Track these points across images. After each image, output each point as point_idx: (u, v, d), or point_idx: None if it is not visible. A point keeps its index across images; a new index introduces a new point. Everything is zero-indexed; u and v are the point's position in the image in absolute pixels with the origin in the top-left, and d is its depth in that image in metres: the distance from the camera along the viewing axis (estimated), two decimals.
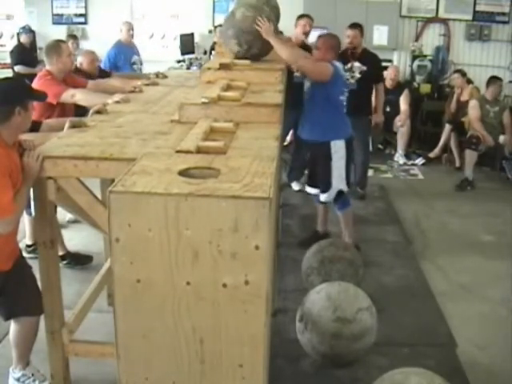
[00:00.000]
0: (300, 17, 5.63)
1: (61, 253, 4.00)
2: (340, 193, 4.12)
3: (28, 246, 4.12)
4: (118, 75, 5.06)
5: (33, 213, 3.68)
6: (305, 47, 5.66)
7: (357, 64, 5.54)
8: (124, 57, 6.44)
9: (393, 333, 3.35)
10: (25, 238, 4.16)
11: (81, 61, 4.77)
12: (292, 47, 4.04)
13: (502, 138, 6.50)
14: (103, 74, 4.87)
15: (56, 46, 3.76)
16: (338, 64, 4.04)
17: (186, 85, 3.92)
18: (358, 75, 5.56)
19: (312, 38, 5.94)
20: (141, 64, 6.64)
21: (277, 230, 4.18)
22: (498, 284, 4.07)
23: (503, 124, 6.59)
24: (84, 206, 2.33)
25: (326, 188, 4.11)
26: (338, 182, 4.06)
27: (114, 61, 6.37)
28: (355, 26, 5.54)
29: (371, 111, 5.71)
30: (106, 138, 2.44)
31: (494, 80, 6.74)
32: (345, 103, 4.10)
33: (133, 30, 6.64)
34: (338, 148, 4.00)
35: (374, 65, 5.60)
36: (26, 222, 4.03)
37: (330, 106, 3.99)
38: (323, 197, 4.17)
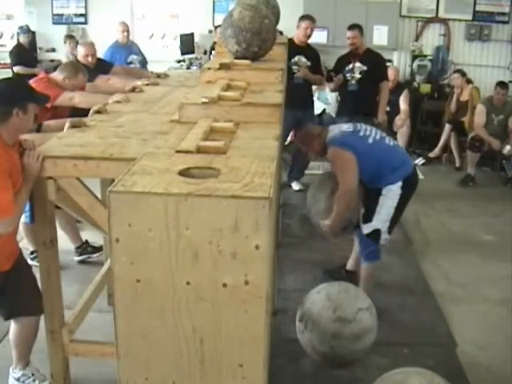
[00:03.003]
0: (302, 18, 5.62)
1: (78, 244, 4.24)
2: (376, 233, 3.50)
3: (31, 253, 4.03)
4: (120, 67, 5.06)
5: (23, 219, 3.68)
6: (308, 48, 5.68)
7: (358, 64, 5.54)
8: (120, 56, 6.52)
9: (393, 333, 3.36)
10: (24, 238, 4.15)
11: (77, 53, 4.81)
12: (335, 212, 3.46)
13: (507, 149, 6.38)
14: (104, 66, 4.85)
15: (74, 71, 3.71)
16: (331, 135, 3.53)
17: (186, 85, 3.92)
18: (357, 75, 5.56)
19: (314, 38, 5.96)
20: (142, 64, 6.62)
21: (277, 230, 4.18)
22: (497, 284, 4.08)
23: (508, 130, 6.50)
24: (84, 206, 2.33)
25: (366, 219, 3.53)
26: (379, 217, 3.46)
27: (110, 61, 6.42)
28: (354, 26, 5.57)
29: (374, 113, 5.69)
30: (106, 138, 2.44)
31: (499, 86, 6.62)
32: (379, 137, 3.54)
33: (127, 30, 6.68)
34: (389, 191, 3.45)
35: (375, 64, 5.59)
36: (21, 230, 3.87)
37: (373, 158, 3.44)
38: (361, 226, 3.55)
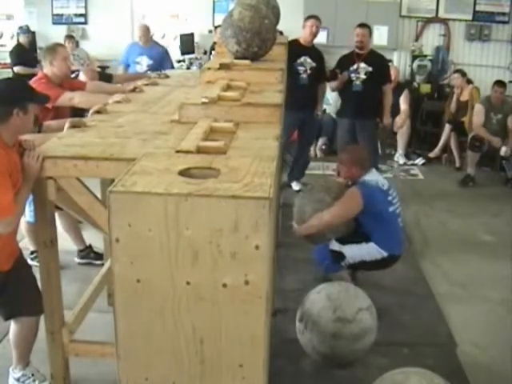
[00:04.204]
0: (307, 18, 5.64)
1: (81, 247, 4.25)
2: (339, 256, 3.62)
3: (31, 253, 4.04)
4: (120, 74, 5.05)
5: (27, 218, 3.69)
6: (313, 49, 5.68)
7: (362, 65, 5.53)
8: (132, 55, 6.54)
9: (393, 333, 3.36)
10: (25, 237, 4.15)
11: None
12: (313, 223, 3.57)
13: (503, 150, 6.41)
14: (105, 79, 4.85)
15: (51, 49, 3.72)
16: (369, 178, 3.61)
17: (186, 85, 3.92)
18: (363, 76, 5.55)
19: (320, 38, 5.96)
20: (151, 67, 6.35)
21: (277, 230, 4.18)
22: (497, 284, 4.08)
23: (507, 129, 6.49)
24: (84, 206, 2.33)
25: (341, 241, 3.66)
26: (351, 251, 3.60)
27: (126, 57, 6.60)
28: (364, 25, 5.56)
29: (379, 113, 5.67)
30: (106, 138, 2.44)
31: (497, 85, 6.64)
32: (398, 211, 3.67)
33: (146, 33, 6.62)
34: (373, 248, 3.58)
35: (379, 66, 5.58)
36: (22, 229, 3.92)
37: (381, 222, 3.57)
38: (332, 241, 3.65)
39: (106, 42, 8.02)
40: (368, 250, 3.57)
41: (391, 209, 3.61)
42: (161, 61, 6.60)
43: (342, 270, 3.71)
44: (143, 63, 6.51)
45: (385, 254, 3.56)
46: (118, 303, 1.58)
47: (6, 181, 2.25)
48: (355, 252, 3.59)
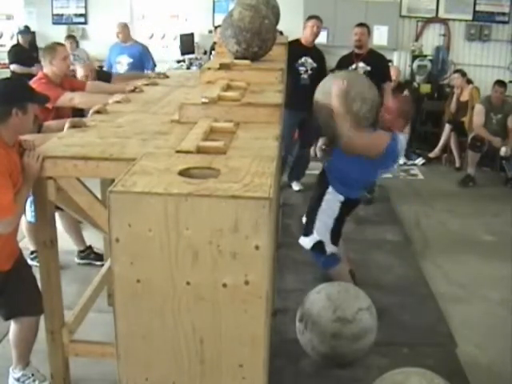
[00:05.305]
0: (308, 18, 5.64)
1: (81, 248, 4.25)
2: (319, 245, 3.56)
3: (31, 253, 4.03)
4: (119, 77, 5.05)
5: (28, 218, 3.70)
6: (314, 49, 5.68)
7: (361, 64, 5.54)
8: (113, 55, 6.54)
9: (393, 333, 3.36)
10: (25, 237, 4.15)
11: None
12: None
13: (503, 151, 6.42)
14: (104, 77, 4.84)
15: (50, 49, 3.73)
16: (401, 139, 3.51)
17: (186, 85, 3.92)
18: None
19: (320, 38, 5.96)
20: (132, 66, 6.35)
21: (277, 230, 4.18)
22: (497, 284, 4.08)
23: (507, 129, 6.50)
24: (84, 206, 2.34)
25: (307, 230, 3.62)
26: (319, 226, 3.54)
27: (109, 58, 6.59)
28: (363, 24, 5.57)
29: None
30: (106, 138, 2.44)
31: (497, 85, 6.64)
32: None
33: (123, 30, 6.54)
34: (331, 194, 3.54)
35: (378, 65, 5.58)
36: (23, 229, 3.93)
37: (366, 175, 3.58)
38: (301, 240, 3.65)
39: (106, 42, 8.00)
40: (328, 200, 3.51)
41: (380, 172, 3.70)
42: (141, 59, 6.52)
43: (340, 264, 3.65)
44: (123, 62, 6.43)
45: (341, 197, 3.51)
46: (117, 303, 1.58)
47: (6, 181, 2.25)
48: (322, 222, 3.52)
